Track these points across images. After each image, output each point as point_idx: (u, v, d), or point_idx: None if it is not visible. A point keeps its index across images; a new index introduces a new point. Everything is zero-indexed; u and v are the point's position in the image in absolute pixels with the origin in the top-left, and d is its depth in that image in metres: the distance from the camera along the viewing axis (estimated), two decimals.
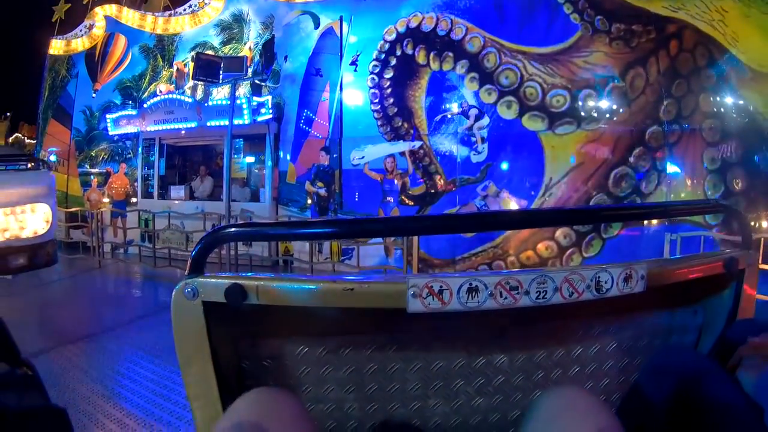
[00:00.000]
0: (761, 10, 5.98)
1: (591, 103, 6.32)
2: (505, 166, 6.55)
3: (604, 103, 6.34)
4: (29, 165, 3.86)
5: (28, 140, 22.96)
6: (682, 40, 6.21)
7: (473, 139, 6.62)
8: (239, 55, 7.82)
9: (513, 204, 6.40)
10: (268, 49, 7.33)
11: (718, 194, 5.84)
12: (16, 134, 23.55)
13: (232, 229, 0.86)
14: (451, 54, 6.81)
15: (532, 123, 6.40)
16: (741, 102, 5.91)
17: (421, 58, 6.95)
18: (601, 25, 6.41)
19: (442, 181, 6.76)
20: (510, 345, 0.99)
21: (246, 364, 0.93)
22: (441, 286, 0.78)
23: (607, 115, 6.32)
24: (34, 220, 3.49)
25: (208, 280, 0.82)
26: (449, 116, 6.77)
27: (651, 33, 6.26)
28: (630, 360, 1.06)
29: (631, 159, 6.21)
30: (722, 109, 5.99)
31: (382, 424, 0.98)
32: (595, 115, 6.32)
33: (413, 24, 7.05)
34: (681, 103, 6.12)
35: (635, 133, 6.19)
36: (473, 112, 6.63)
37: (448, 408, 0.99)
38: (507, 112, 6.50)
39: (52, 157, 11.01)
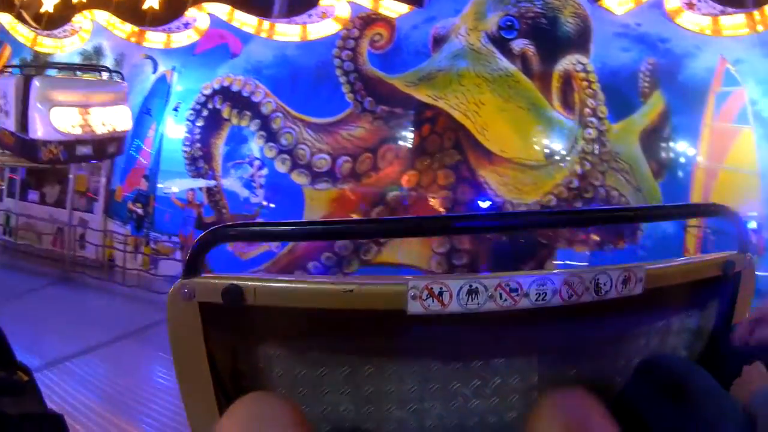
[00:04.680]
0: (518, 105, 7.61)
1: (346, 167, 8.06)
2: (274, 208, 8.27)
3: (358, 168, 8.08)
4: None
5: None
6: (435, 124, 7.96)
7: (253, 184, 8.31)
8: None
9: None
10: None
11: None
12: None
13: (229, 229, 0.86)
14: (249, 113, 8.42)
15: (298, 178, 8.11)
16: (476, 180, 7.62)
17: (226, 113, 8.54)
18: (370, 105, 8.11)
19: (227, 214, 8.43)
20: (507, 346, 1.00)
21: (242, 366, 0.93)
22: (441, 288, 0.79)
23: (359, 179, 8.08)
24: (121, 118, 4.64)
25: (205, 280, 0.81)
26: (238, 163, 8.43)
27: (410, 116, 8.01)
28: (627, 361, 1.07)
29: (373, 215, 7.99)
30: (458, 184, 7.70)
31: (378, 426, 0.98)
32: (348, 176, 8.06)
33: (226, 83, 8.61)
34: (422, 175, 7.92)
35: (378, 195, 7.97)
36: (257, 163, 8.31)
37: (444, 410, 0.99)
38: (281, 166, 8.18)
39: None
